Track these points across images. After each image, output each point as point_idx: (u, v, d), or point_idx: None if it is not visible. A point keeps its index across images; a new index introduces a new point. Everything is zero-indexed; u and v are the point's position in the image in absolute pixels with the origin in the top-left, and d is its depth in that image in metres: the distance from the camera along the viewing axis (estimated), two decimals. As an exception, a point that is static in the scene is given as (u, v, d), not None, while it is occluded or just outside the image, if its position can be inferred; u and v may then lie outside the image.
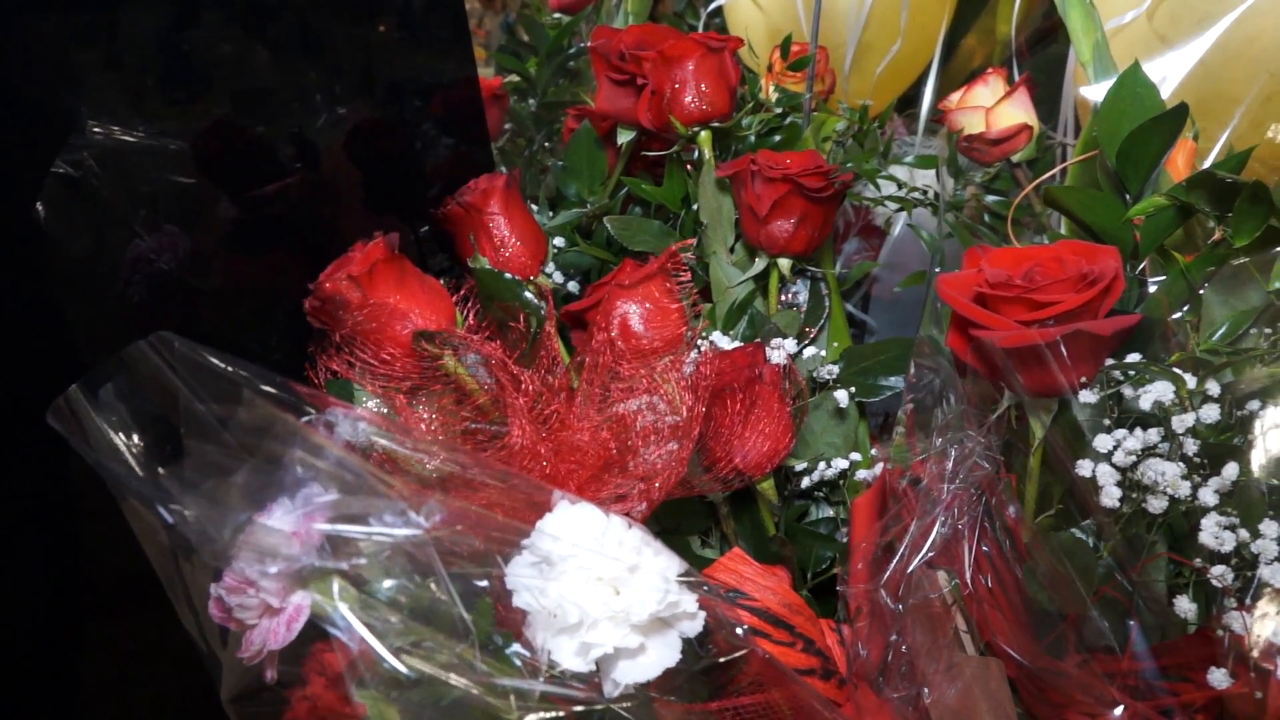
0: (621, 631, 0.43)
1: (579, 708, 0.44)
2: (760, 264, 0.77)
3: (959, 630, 0.55)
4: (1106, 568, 0.50)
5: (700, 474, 0.66)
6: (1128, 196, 0.58)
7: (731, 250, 0.80)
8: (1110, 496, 0.48)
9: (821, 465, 0.72)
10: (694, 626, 0.45)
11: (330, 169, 0.84)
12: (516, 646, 0.45)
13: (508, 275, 0.62)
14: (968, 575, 0.54)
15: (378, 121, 0.84)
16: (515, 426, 0.52)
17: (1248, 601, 0.46)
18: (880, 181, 0.92)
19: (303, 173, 0.82)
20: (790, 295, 0.80)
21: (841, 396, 0.72)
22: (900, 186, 0.94)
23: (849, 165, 0.91)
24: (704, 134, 0.80)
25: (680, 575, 0.45)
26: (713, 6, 1.20)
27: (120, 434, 0.47)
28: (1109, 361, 0.53)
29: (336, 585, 0.45)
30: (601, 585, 0.43)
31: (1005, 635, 0.54)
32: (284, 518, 0.47)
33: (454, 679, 0.46)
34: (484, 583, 0.48)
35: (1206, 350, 0.54)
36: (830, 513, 0.74)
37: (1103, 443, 0.50)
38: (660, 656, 0.44)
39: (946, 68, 1.13)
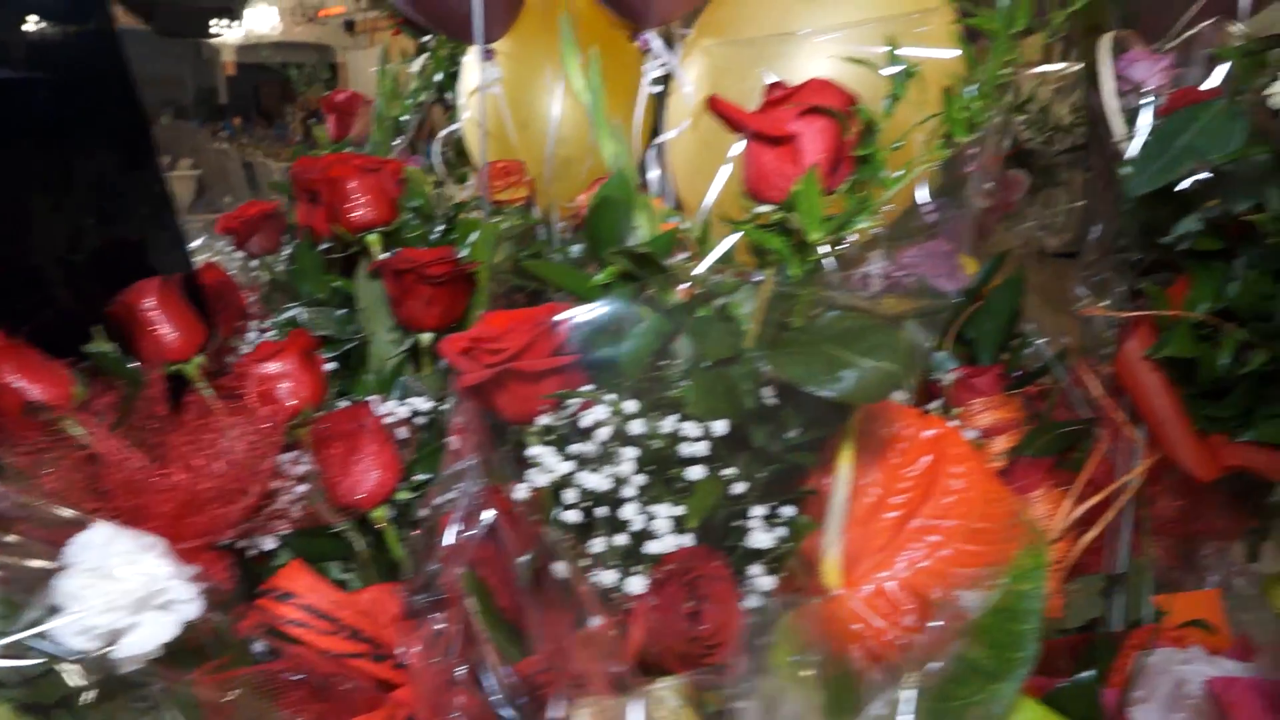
0: (116, 615, 0.52)
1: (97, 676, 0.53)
2: (408, 340, 0.88)
3: (471, 610, 0.65)
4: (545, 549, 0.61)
5: (322, 505, 0.76)
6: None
7: (392, 329, 0.91)
8: (520, 491, 0.59)
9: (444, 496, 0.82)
10: (191, 610, 0.55)
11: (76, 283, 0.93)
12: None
13: (115, 354, 0.73)
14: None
15: (110, 245, 0.94)
16: (106, 474, 0.62)
17: (617, 562, 0.57)
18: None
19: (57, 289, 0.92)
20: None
21: (453, 441, 0.82)
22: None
23: (523, 255, 1.03)
24: (372, 237, 0.92)
25: (176, 575, 0.55)
26: (444, 133, 1.34)
27: None
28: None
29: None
30: (101, 580, 0.53)
31: (507, 610, 0.64)
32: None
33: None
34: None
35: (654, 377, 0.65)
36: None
37: (536, 452, 0.61)
38: (155, 633, 0.53)
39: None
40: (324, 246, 0.98)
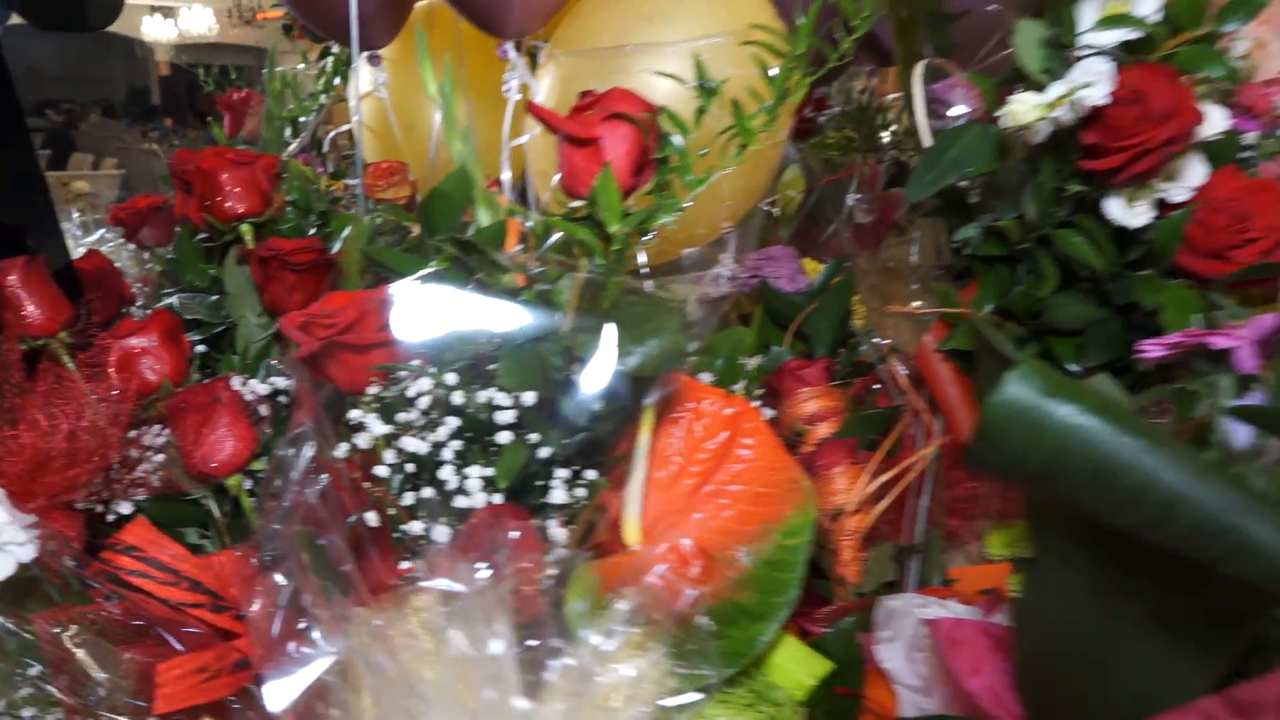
0: (-49, 554, 0.58)
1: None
2: (275, 324, 0.94)
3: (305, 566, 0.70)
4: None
5: (179, 473, 0.81)
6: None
7: (260, 314, 0.96)
8: (341, 450, 0.65)
9: (299, 469, 0.87)
10: (27, 552, 0.60)
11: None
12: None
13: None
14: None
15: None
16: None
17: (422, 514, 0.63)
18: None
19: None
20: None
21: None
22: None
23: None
24: (245, 227, 0.98)
25: (12, 521, 0.60)
26: (334, 133, 1.40)
27: None
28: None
29: None
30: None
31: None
32: None
33: None
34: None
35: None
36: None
37: (362, 417, 0.67)
38: (-11, 571, 0.59)
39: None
40: (202, 236, 1.03)
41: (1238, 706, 0.54)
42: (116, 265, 1.11)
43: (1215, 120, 0.69)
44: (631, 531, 0.70)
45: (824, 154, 1.58)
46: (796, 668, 0.65)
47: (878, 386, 1.07)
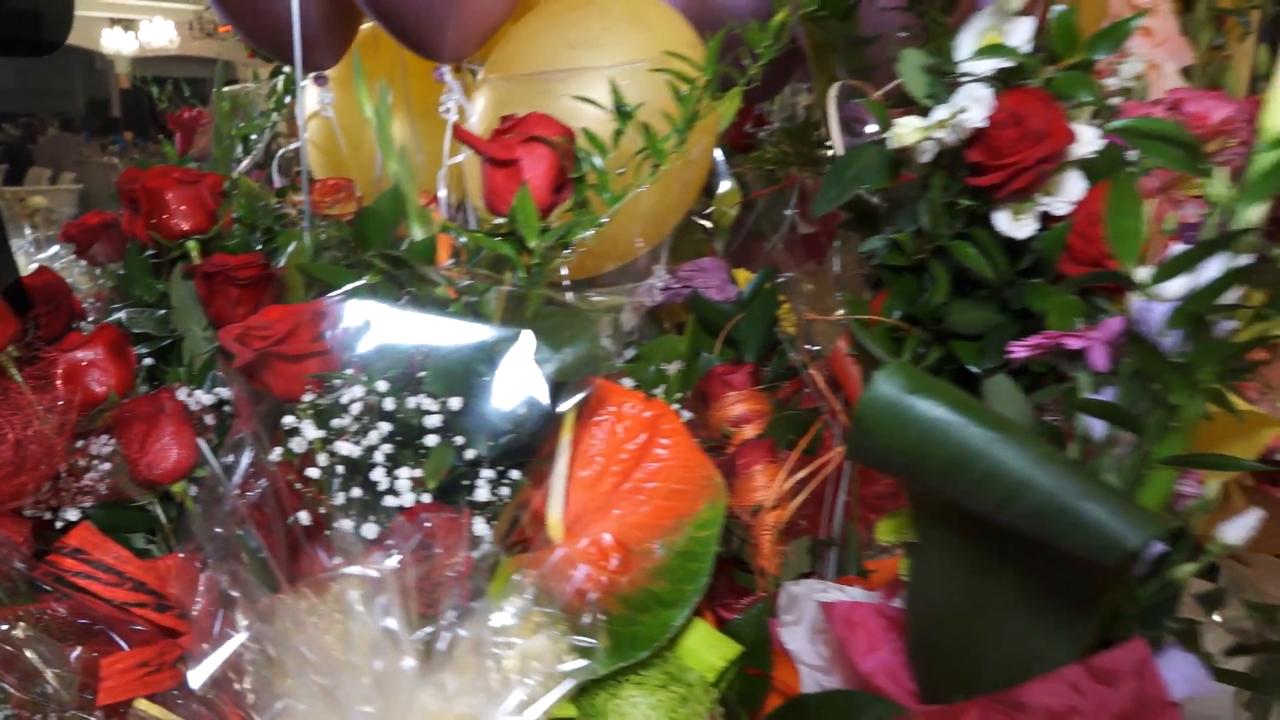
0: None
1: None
2: (220, 335, 0.97)
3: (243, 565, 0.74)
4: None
5: (125, 480, 0.85)
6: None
7: (206, 328, 1.00)
8: (275, 454, 0.69)
9: (242, 476, 0.91)
10: (-25, 555, 0.64)
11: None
12: None
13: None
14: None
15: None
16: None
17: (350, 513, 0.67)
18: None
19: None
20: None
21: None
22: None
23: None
24: (190, 243, 1.01)
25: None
26: (282, 151, 1.44)
27: None
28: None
29: None
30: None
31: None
32: None
33: None
34: None
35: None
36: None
37: (288, 421, 0.71)
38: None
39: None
40: (150, 253, 1.06)
41: (1098, 673, 0.59)
42: (69, 281, 1.14)
43: (1088, 139, 0.75)
44: (555, 527, 0.74)
45: (762, 168, 1.63)
46: (708, 651, 0.70)
47: (806, 390, 1.12)
